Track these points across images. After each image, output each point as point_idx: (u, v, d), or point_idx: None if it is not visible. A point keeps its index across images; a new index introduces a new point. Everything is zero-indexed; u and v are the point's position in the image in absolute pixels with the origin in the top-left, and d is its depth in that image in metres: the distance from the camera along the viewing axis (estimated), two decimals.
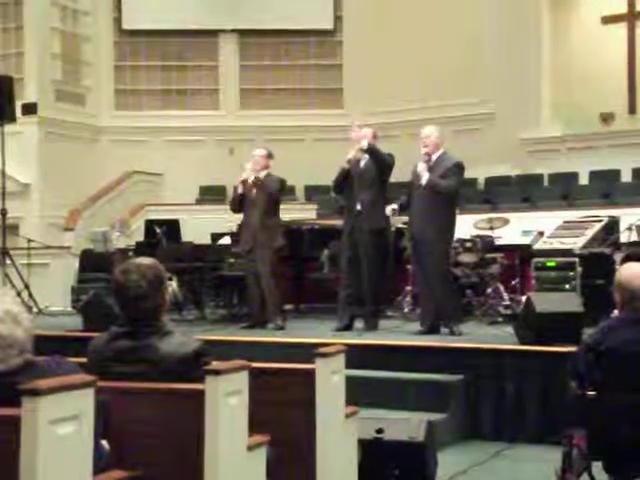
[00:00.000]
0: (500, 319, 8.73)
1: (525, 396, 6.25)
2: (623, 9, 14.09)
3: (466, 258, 9.38)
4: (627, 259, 7.43)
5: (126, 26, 16.03)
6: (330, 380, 3.79)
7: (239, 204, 8.60)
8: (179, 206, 14.28)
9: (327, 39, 16.24)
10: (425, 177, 7.58)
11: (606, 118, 14.06)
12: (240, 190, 8.55)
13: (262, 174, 8.50)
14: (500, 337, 7.22)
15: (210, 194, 15.21)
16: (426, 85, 14.74)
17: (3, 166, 11.11)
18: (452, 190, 7.63)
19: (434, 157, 7.70)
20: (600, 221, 8.97)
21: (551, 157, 14.10)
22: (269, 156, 8.63)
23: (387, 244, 8.32)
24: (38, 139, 14.36)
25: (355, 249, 7.96)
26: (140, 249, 10.27)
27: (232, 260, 9.55)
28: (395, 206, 7.80)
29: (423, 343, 7.00)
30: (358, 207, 7.95)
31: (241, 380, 3.17)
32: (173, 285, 9.58)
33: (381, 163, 7.94)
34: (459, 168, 7.72)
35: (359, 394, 4.52)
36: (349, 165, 8.03)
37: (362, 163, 8.06)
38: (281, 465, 3.41)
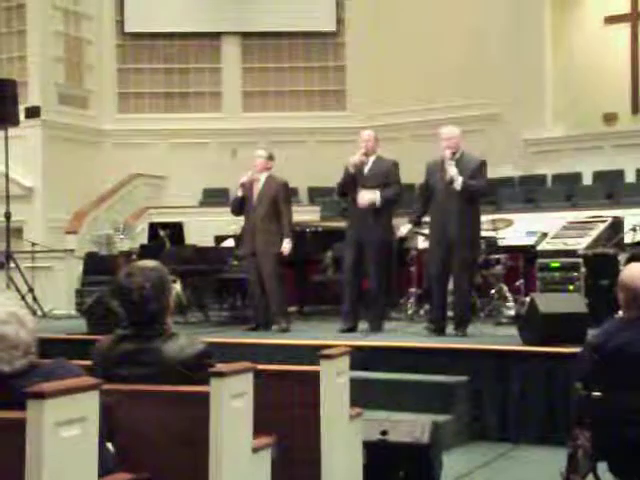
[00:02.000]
0: (504, 320, 8.72)
1: (530, 397, 6.24)
2: (626, 9, 14.09)
3: None
4: (631, 259, 7.42)
5: (129, 29, 16.05)
6: (334, 382, 3.79)
7: (239, 207, 8.60)
8: (182, 209, 14.27)
9: (330, 41, 16.24)
10: (459, 180, 7.46)
11: (609, 118, 14.04)
12: (240, 193, 8.55)
13: (263, 176, 8.50)
14: (504, 338, 7.22)
15: (213, 196, 15.21)
16: (429, 86, 14.74)
17: (7, 170, 11.13)
18: (486, 190, 7.63)
19: (456, 157, 7.68)
20: (604, 221, 8.95)
21: (555, 157, 14.08)
22: (270, 158, 8.63)
23: (391, 246, 8.32)
24: (41, 142, 14.37)
25: (359, 251, 7.95)
26: (144, 252, 10.27)
27: (236, 262, 9.55)
28: (410, 226, 7.77)
29: (427, 344, 7.00)
30: (364, 213, 7.94)
31: (246, 382, 3.17)
32: (177, 288, 9.58)
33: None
34: (485, 167, 7.69)
35: (364, 396, 4.52)
36: (354, 170, 8.02)
37: (366, 169, 8.05)
38: (286, 467, 3.41)
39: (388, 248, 8.10)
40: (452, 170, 7.50)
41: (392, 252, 8.45)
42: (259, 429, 3.25)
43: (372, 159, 8.05)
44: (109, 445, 2.92)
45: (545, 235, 9.43)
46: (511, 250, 9.70)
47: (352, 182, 8.04)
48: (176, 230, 10.59)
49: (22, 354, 2.70)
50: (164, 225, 10.53)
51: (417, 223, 7.96)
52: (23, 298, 10.17)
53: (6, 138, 10.84)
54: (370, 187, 7.95)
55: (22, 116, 12.04)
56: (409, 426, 4.96)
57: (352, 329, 7.99)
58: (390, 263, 8.51)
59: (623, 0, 14.11)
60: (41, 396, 2.35)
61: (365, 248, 7.92)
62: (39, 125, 14.15)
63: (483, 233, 9.49)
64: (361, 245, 7.94)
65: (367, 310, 8.10)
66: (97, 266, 11.56)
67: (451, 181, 7.49)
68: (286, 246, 8.30)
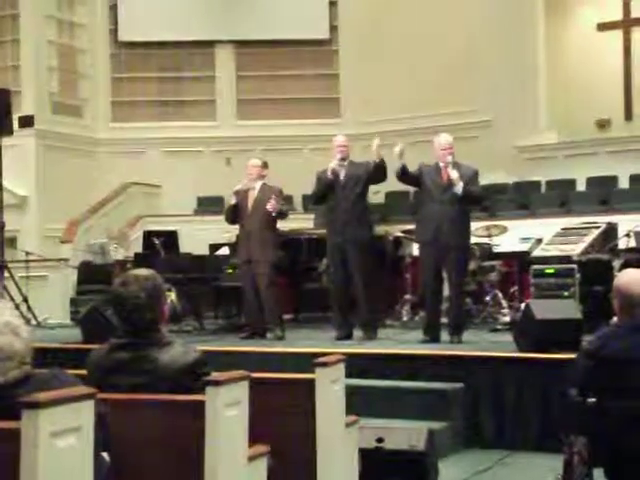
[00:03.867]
0: (499, 327, 8.73)
1: (525, 403, 6.24)
2: (618, 16, 14.14)
3: None
4: (625, 265, 7.44)
5: (122, 38, 16.05)
6: (330, 389, 3.79)
7: (233, 215, 8.60)
8: (177, 217, 14.27)
9: (323, 49, 16.26)
10: (460, 184, 7.52)
11: (602, 124, 14.08)
12: (233, 201, 8.55)
13: (258, 184, 8.51)
14: (499, 345, 7.22)
15: (208, 205, 15.19)
16: (423, 94, 14.75)
17: (0, 179, 11.11)
18: (484, 196, 7.77)
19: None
20: (598, 227, 8.98)
21: (548, 164, 14.10)
22: (264, 166, 8.64)
23: (381, 252, 8.30)
24: (35, 152, 14.35)
25: (344, 258, 7.95)
26: (138, 260, 10.26)
27: (230, 270, 9.55)
28: (402, 147, 7.58)
29: (423, 351, 6.99)
30: (343, 218, 7.95)
31: (241, 391, 3.16)
32: (172, 296, 9.57)
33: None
34: (478, 176, 7.81)
35: (359, 403, 4.52)
36: (332, 176, 8.02)
37: (342, 176, 8.05)
38: (281, 476, 3.40)
39: (370, 250, 8.07)
40: (454, 174, 7.54)
41: (384, 258, 8.41)
42: (254, 438, 3.24)
43: (346, 164, 8.08)
44: (104, 454, 2.91)
45: (539, 241, 9.46)
46: (505, 257, 9.72)
47: (330, 189, 8.06)
48: (170, 239, 10.58)
49: (17, 365, 2.69)
50: (159, 234, 10.51)
51: (404, 171, 7.75)
52: (17, 307, 10.14)
53: (0, 147, 10.82)
54: (348, 194, 7.97)
55: (16, 125, 12.01)
56: (405, 433, 4.96)
57: (347, 337, 7.98)
58: (380, 269, 8.50)
59: (616, 7, 14.16)
60: (36, 406, 2.34)
61: (347, 251, 7.91)
62: (33, 134, 14.10)
63: (478, 240, 9.54)
64: (343, 249, 7.93)
65: (359, 318, 8.10)
66: (92, 275, 11.56)
67: (450, 185, 7.52)
68: (273, 202, 8.25)
